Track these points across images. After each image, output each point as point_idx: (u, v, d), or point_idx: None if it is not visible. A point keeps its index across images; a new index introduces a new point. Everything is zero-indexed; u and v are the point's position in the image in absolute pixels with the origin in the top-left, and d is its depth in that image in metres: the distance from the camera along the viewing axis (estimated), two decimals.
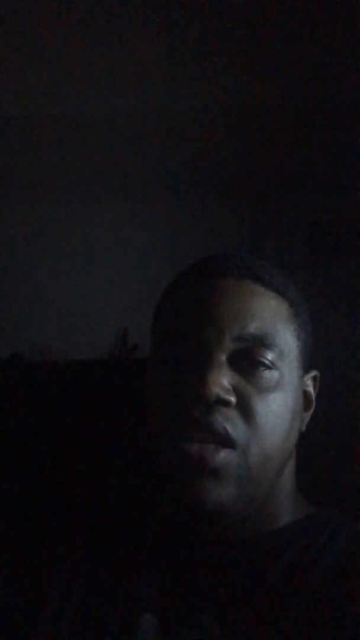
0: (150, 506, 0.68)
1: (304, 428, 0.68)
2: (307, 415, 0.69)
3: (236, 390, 0.59)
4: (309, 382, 0.70)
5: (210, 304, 0.62)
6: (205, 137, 1.00)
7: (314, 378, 0.70)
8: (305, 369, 0.68)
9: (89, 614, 0.62)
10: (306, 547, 0.62)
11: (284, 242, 0.90)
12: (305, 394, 0.69)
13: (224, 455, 0.57)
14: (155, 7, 0.88)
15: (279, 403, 0.61)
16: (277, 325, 0.63)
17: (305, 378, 0.68)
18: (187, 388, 0.58)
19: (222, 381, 0.58)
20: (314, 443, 0.70)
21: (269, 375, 0.61)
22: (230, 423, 0.58)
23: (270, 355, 0.61)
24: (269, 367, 0.60)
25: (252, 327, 0.61)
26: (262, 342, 0.61)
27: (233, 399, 0.58)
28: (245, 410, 0.59)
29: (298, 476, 0.69)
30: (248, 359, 0.60)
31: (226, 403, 0.58)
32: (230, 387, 0.59)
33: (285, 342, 0.63)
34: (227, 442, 0.58)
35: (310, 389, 0.70)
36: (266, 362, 0.60)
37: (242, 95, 0.96)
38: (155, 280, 0.77)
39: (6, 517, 0.81)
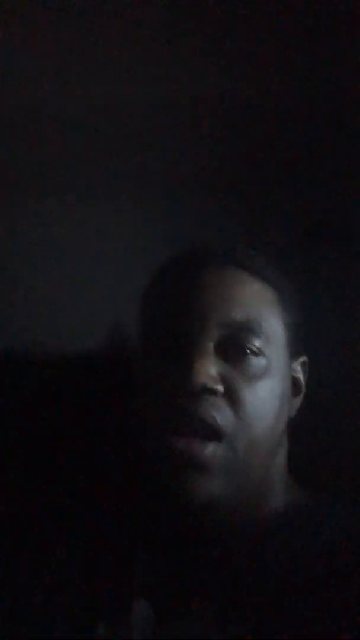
0: (144, 493, 0.68)
1: (293, 413, 0.68)
2: (297, 400, 0.69)
3: (223, 378, 0.59)
4: (298, 368, 0.69)
5: (194, 292, 0.61)
6: (202, 130, 1.00)
7: (303, 363, 0.70)
8: (294, 355, 0.68)
9: (82, 598, 0.62)
10: (298, 532, 0.62)
11: (281, 234, 0.90)
12: (294, 379, 0.69)
13: (211, 449, 0.57)
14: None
15: (267, 390, 0.61)
16: (262, 311, 0.62)
17: (294, 364, 0.69)
18: (173, 378, 0.58)
19: (208, 369, 0.58)
20: (311, 429, 0.71)
21: (256, 362, 0.60)
22: (218, 412, 0.58)
23: (256, 342, 0.60)
24: (255, 354, 0.60)
25: (237, 314, 0.60)
26: (247, 328, 0.60)
27: (220, 387, 0.58)
28: (233, 398, 0.59)
29: (293, 461, 0.69)
30: (234, 346, 0.60)
31: (213, 392, 0.57)
32: (216, 375, 0.58)
33: (271, 327, 0.63)
34: (214, 433, 0.57)
35: (300, 374, 0.70)
36: (253, 348, 0.60)
37: (240, 90, 0.96)
38: (151, 275, 0.77)
39: (2, 511, 0.82)
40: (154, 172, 0.99)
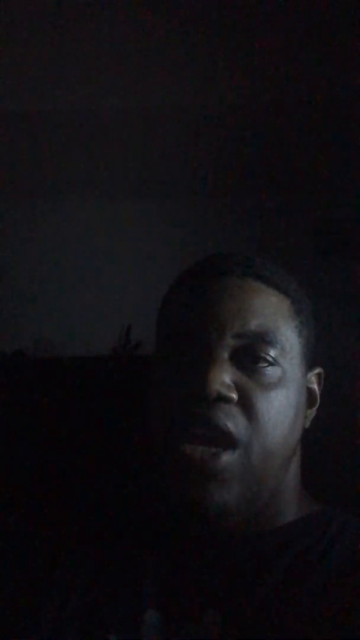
0: (154, 502, 0.68)
1: (307, 424, 0.68)
2: (312, 412, 0.69)
3: (238, 387, 0.59)
4: (313, 379, 0.69)
5: (212, 302, 0.62)
6: (209, 136, 0.99)
7: (318, 375, 0.70)
8: (309, 366, 0.68)
9: (92, 610, 0.62)
10: (310, 545, 0.62)
11: (288, 242, 0.90)
12: (309, 390, 0.68)
13: (226, 458, 0.57)
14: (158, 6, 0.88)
15: (281, 399, 0.61)
16: (279, 322, 0.63)
17: (309, 375, 0.68)
18: (188, 385, 0.59)
19: (223, 378, 0.58)
20: (320, 440, 0.70)
21: (271, 372, 0.61)
22: (232, 420, 0.58)
23: (272, 352, 0.61)
24: (270, 364, 0.60)
25: (253, 324, 0.61)
26: (263, 338, 0.61)
27: (234, 395, 0.58)
28: (247, 406, 0.59)
29: (304, 473, 0.69)
30: (250, 356, 0.60)
31: (227, 399, 0.58)
32: (231, 384, 0.59)
33: (286, 338, 0.63)
34: (229, 440, 0.58)
35: (314, 385, 0.69)
36: (268, 358, 0.60)
37: (246, 93, 0.95)
38: (159, 277, 0.77)
39: (9, 514, 0.82)
40: (163, 179, 0.99)
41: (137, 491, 0.73)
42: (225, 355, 0.60)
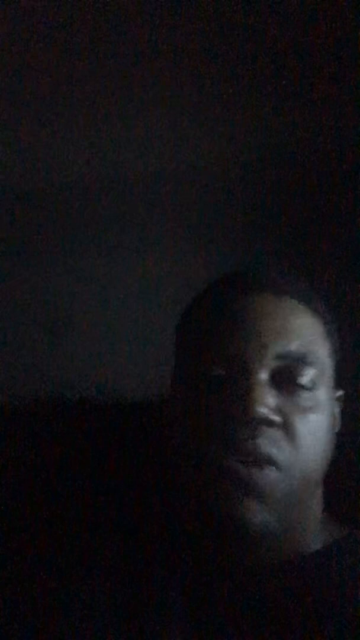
0: (182, 526, 0.66)
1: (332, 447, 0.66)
2: (334, 437, 0.67)
3: (279, 410, 0.57)
4: (336, 402, 0.68)
5: (251, 319, 0.60)
6: (216, 192, 1.01)
7: (339, 397, 0.69)
8: (335, 388, 0.67)
9: (116, 631, 0.60)
10: (340, 574, 0.60)
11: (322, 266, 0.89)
12: (334, 414, 0.67)
13: (271, 477, 0.56)
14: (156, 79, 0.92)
15: (318, 423, 0.60)
16: (316, 344, 0.61)
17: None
18: (230, 407, 0.57)
19: (267, 400, 0.56)
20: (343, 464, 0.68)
21: (310, 395, 0.59)
22: (275, 445, 0.56)
23: (311, 374, 0.59)
24: (309, 388, 0.59)
25: (294, 345, 0.59)
26: (303, 360, 0.59)
27: (278, 418, 0.57)
28: (289, 430, 0.57)
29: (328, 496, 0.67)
30: (290, 378, 0.59)
31: (271, 423, 0.56)
32: (274, 406, 0.57)
33: (323, 361, 0.62)
34: (272, 463, 0.56)
35: (337, 409, 0.68)
36: (307, 382, 0.59)
37: (248, 148, 0.98)
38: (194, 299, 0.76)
39: (29, 527, 0.83)
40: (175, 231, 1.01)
41: (166, 513, 0.72)
42: (267, 376, 0.58)
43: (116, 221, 1.11)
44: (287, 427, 0.57)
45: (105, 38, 0.81)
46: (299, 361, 0.59)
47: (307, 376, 0.59)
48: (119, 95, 0.90)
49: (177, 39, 0.81)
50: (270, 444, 0.56)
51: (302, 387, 0.59)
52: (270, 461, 0.56)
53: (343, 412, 0.68)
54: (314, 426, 0.59)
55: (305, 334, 0.61)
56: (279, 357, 0.58)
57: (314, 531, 0.63)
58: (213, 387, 0.59)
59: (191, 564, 0.63)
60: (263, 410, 0.55)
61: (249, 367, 0.58)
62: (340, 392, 0.68)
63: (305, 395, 0.59)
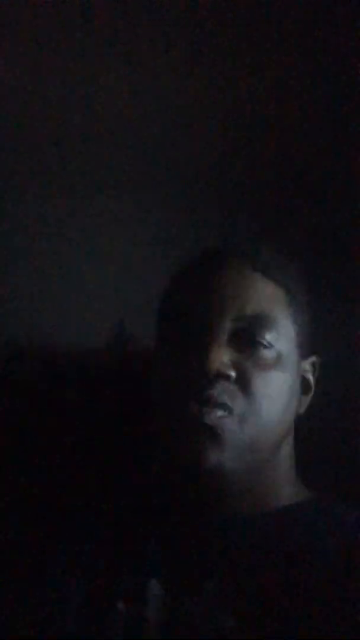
0: (155, 475, 0.71)
1: (302, 410, 0.72)
2: (306, 399, 0.73)
3: (235, 366, 0.64)
4: (308, 367, 0.73)
5: (212, 287, 0.68)
6: (205, 135, 1.02)
7: (313, 363, 0.74)
8: (304, 355, 0.72)
9: (99, 579, 0.65)
10: (308, 530, 0.65)
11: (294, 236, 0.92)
12: (304, 378, 0.73)
13: (225, 420, 0.62)
14: None
15: (276, 381, 0.66)
16: (273, 309, 0.68)
17: (304, 363, 0.72)
18: (190, 363, 0.64)
19: (222, 357, 0.63)
20: (315, 429, 0.75)
21: (267, 354, 0.66)
22: (230, 395, 0.63)
23: (267, 335, 0.66)
24: (266, 346, 0.66)
25: (250, 308, 0.66)
26: (259, 322, 0.66)
27: (233, 373, 0.63)
28: (244, 384, 0.64)
29: (299, 462, 0.73)
30: (247, 338, 0.66)
31: (226, 377, 0.63)
32: (229, 363, 0.64)
33: (282, 325, 0.68)
34: (225, 409, 0.63)
35: (309, 374, 0.74)
36: (264, 341, 0.66)
37: (241, 92, 0.99)
38: (153, 271, 0.81)
39: (9, 493, 0.84)
40: (158, 174, 1.01)
41: (138, 467, 0.77)
42: (225, 336, 0.65)
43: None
44: (242, 381, 0.64)
45: None
46: (255, 323, 0.66)
47: (263, 336, 0.66)
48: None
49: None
50: (225, 393, 0.63)
51: (259, 345, 0.65)
52: (225, 407, 0.63)
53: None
54: (274, 383, 0.66)
55: (263, 300, 0.68)
56: (237, 319, 0.66)
57: (281, 486, 0.69)
58: (178, 346, 0.67)
59: (166, 513, 0.70)
60: (218, 365, 0.63)
61: (208, 329, 0.65)
62: (312, 359, 0.74)
63: (262, 353, 0.65)
